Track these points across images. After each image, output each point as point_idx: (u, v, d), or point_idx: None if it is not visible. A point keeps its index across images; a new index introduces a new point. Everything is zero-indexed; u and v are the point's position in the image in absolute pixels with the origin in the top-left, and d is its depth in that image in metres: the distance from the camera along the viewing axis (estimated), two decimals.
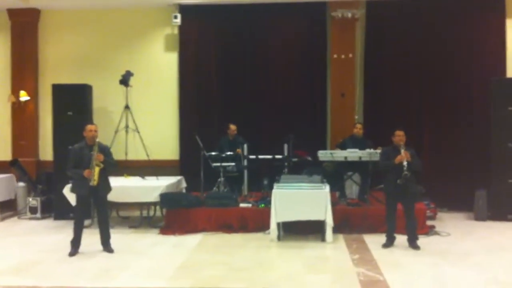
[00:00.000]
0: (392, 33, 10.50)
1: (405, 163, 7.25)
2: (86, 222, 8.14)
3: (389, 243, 7.61)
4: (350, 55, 10.49)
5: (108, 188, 7.62)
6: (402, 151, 7.34)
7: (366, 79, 10.62)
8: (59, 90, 10.13)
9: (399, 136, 7.48)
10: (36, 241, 8.31)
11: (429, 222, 8.71)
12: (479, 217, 9.42)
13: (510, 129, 9.37)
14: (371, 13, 10.51)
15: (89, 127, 7.43)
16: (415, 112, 10.42)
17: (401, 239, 7.64)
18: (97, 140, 7.35)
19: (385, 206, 7.69)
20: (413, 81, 10.47)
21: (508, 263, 6.81)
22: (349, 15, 10.33)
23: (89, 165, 7.21)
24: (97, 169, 7.20)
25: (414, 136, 7.60)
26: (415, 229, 7.57)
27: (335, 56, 10.49)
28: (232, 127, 10.07)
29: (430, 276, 6.27)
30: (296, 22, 10.81)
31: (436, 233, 8.37)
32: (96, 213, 7.95)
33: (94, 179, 7.18)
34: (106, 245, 7.53)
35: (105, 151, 7.48)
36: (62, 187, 8.81)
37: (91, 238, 7.80)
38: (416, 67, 10.45)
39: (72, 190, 7.59)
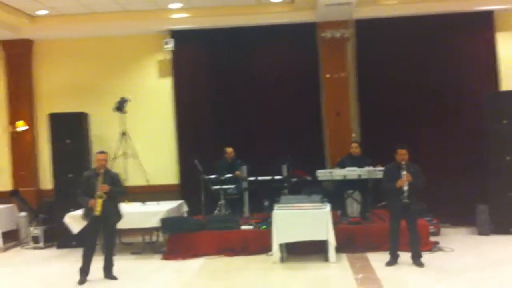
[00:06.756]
0: (383, 51, 10.53)
1: (405, 187, 7.24)
2: None
3: (393, 261, 7.58)
4: (343, 74, 10.58)
5: (117, 216, 7.57)
6: (403, 173, 7.31)
7: (361, 97, 10.67)
8: (56, 119, 10.19)
9: (401, 154, 7.47)
10: (41, 270, 8.28)
11: (432, 238, 8.66)
12: (482, 232, 9.37)
13: (506, 142, 9.36)
14: (361, 32, 10.60)
15: (97, 156, 7.45)
16: (411, 128, 10.40)
17: (405, 256, 7.59)
18: (102, 170, 7.31)
19: (389, 224, 7.69)
20: (407, 97, 10.49)
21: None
22: (338, 35, 10.41)
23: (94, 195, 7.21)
24: (99, 201, 7.16)
25: (411, 152, 7.60)
26: (418, 246, 7.54)
27: (327, 75, 10.58)
28: (229, 150, 10.09)
29: None
30: (288, 43, 10.89)
31: (440, 249, 8.33)
32: (102, 239, 7.69)
33: (97, 210, 7.13)
34: (109, 273, 7.47)
35: (113, 179, 7.48)
36: (64, 216, 8.79)
37: (92, 264, 7.63)
38: (409, 83, 10.47)
39: (85, 215, 7.44)
